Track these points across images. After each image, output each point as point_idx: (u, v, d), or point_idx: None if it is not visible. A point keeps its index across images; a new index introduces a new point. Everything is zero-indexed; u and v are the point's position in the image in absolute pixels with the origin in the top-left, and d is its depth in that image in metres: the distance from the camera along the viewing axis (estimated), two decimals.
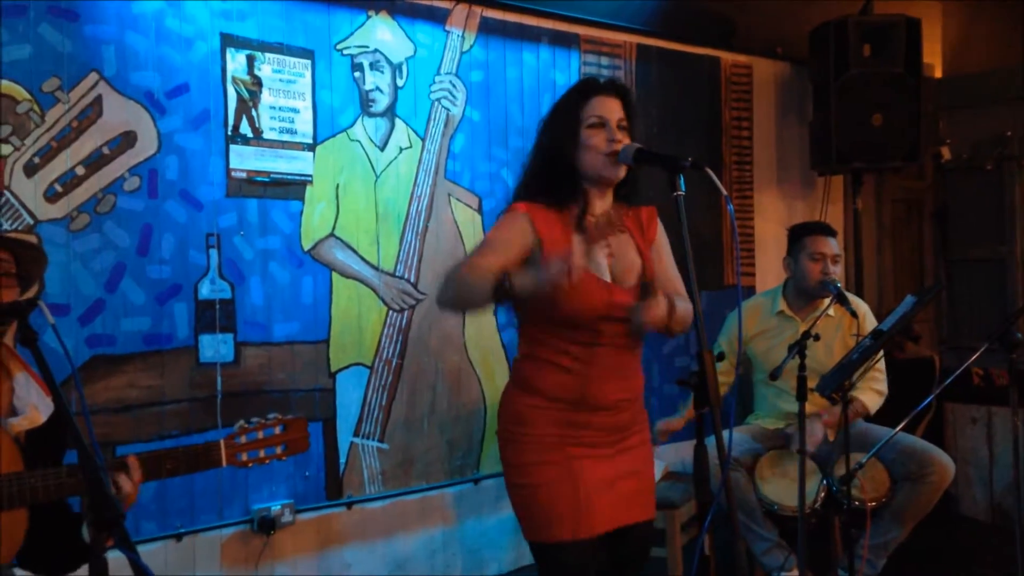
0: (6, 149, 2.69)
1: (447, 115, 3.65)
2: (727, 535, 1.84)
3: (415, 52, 3.56)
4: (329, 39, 3.34)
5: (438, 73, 3.63)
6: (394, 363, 3.50)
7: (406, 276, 3.53)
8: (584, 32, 4.08)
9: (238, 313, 3.12)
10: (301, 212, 3.27)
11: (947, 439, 4.69)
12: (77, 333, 2.80)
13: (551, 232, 2.12)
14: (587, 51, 4.10)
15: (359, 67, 3.42)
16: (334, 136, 3.35)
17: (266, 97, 3.19)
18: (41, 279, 2.64)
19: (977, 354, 2.89)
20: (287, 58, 3.24)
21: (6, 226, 2.67)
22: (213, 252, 3.07)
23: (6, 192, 2.68)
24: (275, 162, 3.21)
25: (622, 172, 2.16)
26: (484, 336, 3.74)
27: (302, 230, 3.27)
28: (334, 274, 3.35)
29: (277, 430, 2.06)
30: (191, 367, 3.02)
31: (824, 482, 3.21)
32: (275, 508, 3.14)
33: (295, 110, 3.26)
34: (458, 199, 3.69)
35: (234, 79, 3.12)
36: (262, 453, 2.03)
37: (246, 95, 3.14)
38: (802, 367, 2.85)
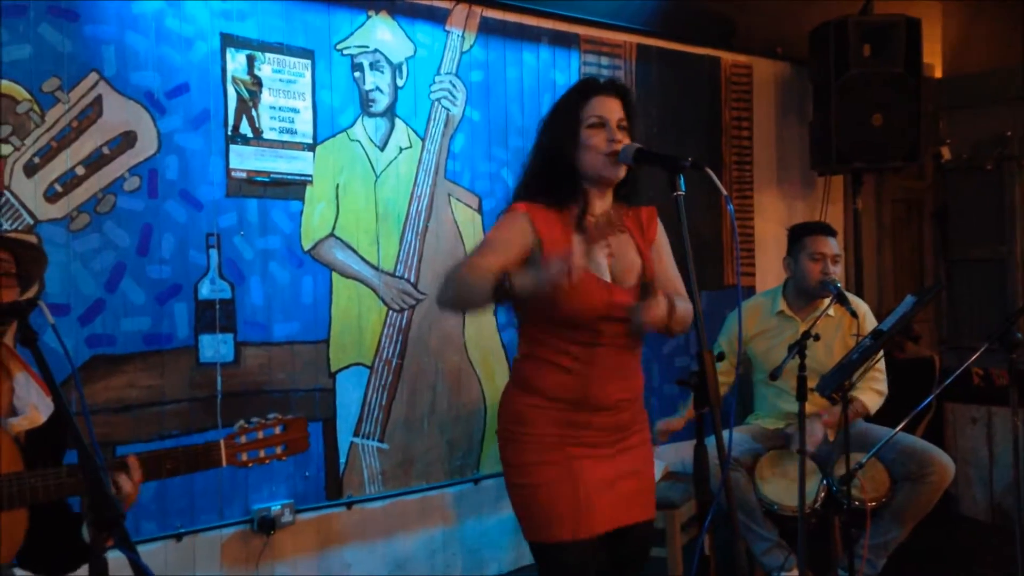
0: (6, 149, 2.69)
1: (447, 115, 3.65)
2: (727, 535, 1.84)
3: (415, 52, 3.56)
4: (329, 39, 3.34)
5: (438, 73, 3.63)
6: (394, 363, 3.50)
7: (406, 276, 3.53)
8: (584, 32, 4.08)
9: (238, 313, 3.12)
10: (301, 212, 3.27)
11: (947, 439, 4.69)
12: (77, 333, 2.80)
13: (551, 232, 2.12)
14: (587, 51, 4.10)
15: (359, 67, 3.42)
16: (334, 136, 3.35)
17: (266, 97, 3.19)
18: (41, 279, 2.64)
19: (977, 354, 2.89)
20: (287, 58, 3.24)
21: (6, 226, 2.67)
22: (213, 252, 3.07)
23: (6, 192, 2.68)
24: (275, 162, 3.21)
25: (622, 172, 2.16)
26: (484, 336, 3.74)
27: (302, 230, 3.27)
28: (334, 274, 3.35)
29: (277, 430, 2.06)
30: (191, 367, 3.02)
31: (824, 482, 3.21)
32: (275, 508, 3.14)
33: (295, 110, 3.26)
34: (458, 199, 3.69)
35: (234, 79, 3.12)
36: (262, 453, 2.03)
37: (246, 95, 3.14)
38: (802, 367, 2.85)
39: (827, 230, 3.51)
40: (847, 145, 4.52)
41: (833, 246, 3.45)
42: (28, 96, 2.72)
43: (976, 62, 5.42)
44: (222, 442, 1.98)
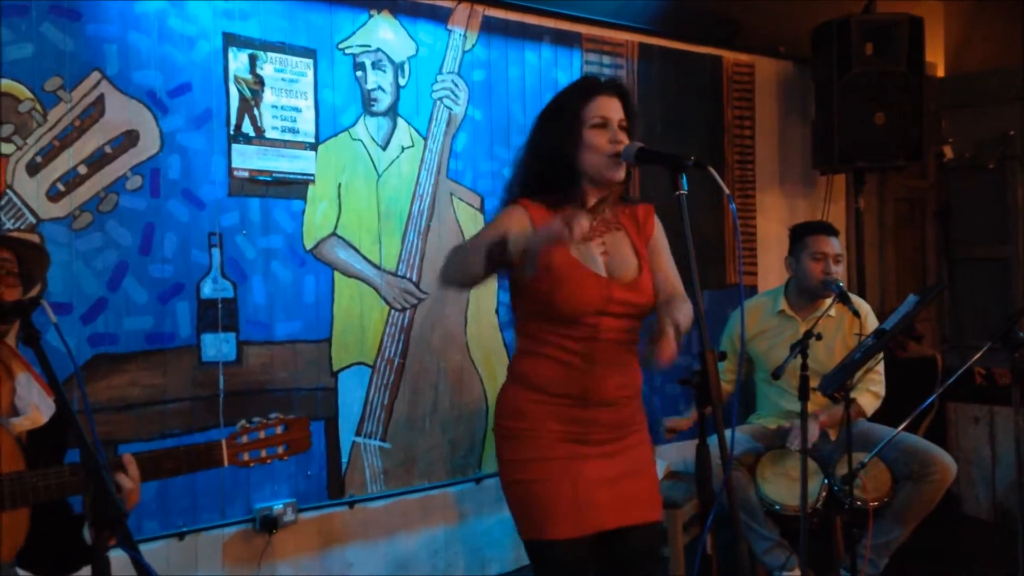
0: (8, 148, 2.69)
1: (449, 114, 3.65)
2: (729, 535, 1.84)
3: (417, 51, 3.56)
4: (331, 38, 3.34)
5: (440, 72, 3.63)
6: (396, 362, 3.50)
7: (408, 275, 3.53)
8: (586, 31, 4.08)
9: (240, 312, 3.12)
10: (303, 211, 3.27)
11: (949, 439, 4.69)
12: (79, 332, 2.80)
13: None
14: (589, 50, 4.09)
15: (361, 66, 3.42)
16: (336, 135, 3.35)
17: (268, 96, 3.19)
18: (44, 278, 2.64)
19: (980, 353, 2.89)
20: (289, 57, 3.24)
21: (8, 225, 2.67)
22: (215, 251, 3.07)
23: (8, 191, 2.69)
24: (277, 161, 3.21)
25: (623, 172, 2.16)
26: (486, 335, 3.74)
27: (304, 229, 3.27)
28: (336, 273, 3.35)
29: (279, 430, 2.06)
30: (193, 366, 3.02)
31: (826, 481, 3.21)
32: (277, 507, 3.14)
33: (297, 109, 3.26)
34: (460, 198, 3.69)
35: (236, 78, 3.12)
36: (264, 453, 2.03)
37: (248, 94, 3.15)
38: (804, 366, 2.85)
39: (829, 229, 3.51)
40: (849, 144, 4.51)
41: (835, 245, 3.45)
42: (30, 95, 2.72)
43: (978, 61, 5.41)
44: (224, 442, 1.98)
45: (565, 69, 4.00)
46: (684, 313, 2.06)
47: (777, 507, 3.22)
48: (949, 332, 5.41)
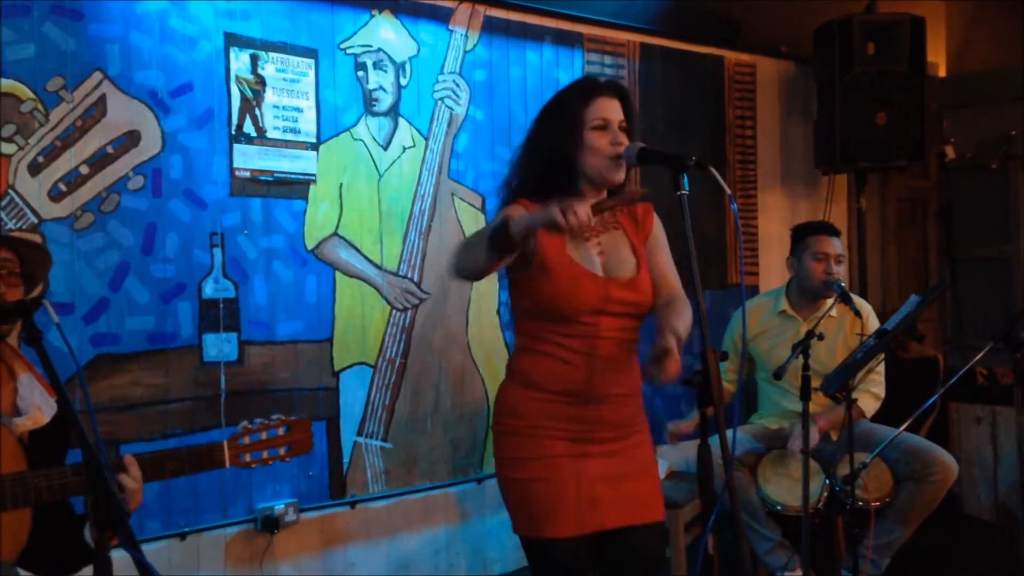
0: (10, 148, 2.70)
1: (450, 114, 3.65)
2: (731, 535, 1.83)
3: (418, 51, 3.56)
4: (333, 38, 3.35)
5: (441, 72, 3.63)
6: (397, 362, 3.50)
7: (409, 275, 3.53)
8: (587, 31, 4.07)
9: (242, 312, 3.12)
10: (304, 211, 3.27)
11: (951, 439, 4.68)
12: (81, 332, 2.80)
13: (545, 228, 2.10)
14: (590, 50, 4.09)
15: (362, 66, 3.42)
16: (337, 135, 3.35)
17: (270, 96, 3.19)
18: (45, 278, 2.64)
19: (981, 353, 2.89)
20: (291, 57, 3.24)
21: (10, 225, 2.67)
22: (217, 251, 3.07)
23: (10, 191, 2.69)
24: (279, 161, 3.21)
25: (623, 174, 2.16)
26: (487, 335, 3.74)
27: (305, 229, 3.28)
28: (337, 273, 3.35)
29: (281, 431, 2.06)
30: (195, 366, 3.02)
31: (827, 482, 3.21)
32: (279, 507, 3.14)
33: (299, 109, 3.26)
34: (461, 198, 3.69)
35: (238, 78, 3.12)
36: (265, 454, 2.03)
37: (250, 94, 3.15)
38: (806, 366, 2.85)
39: (831, 230, 3.50)
40: (851, 144, 4.51)
41: (837, 246, 3.45)
42: (32, 95, 2.72)
43: (980, 61, 5.41)
44: (225, 443, 1.97)
45: (566, 69, 4.00)
46: (684, 322, 2.06)
47: (779, 507, 3.22)
48: (951, 332, 5.41)
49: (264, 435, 2.04)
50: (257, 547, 3.14)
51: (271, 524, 3.11)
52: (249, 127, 3.14)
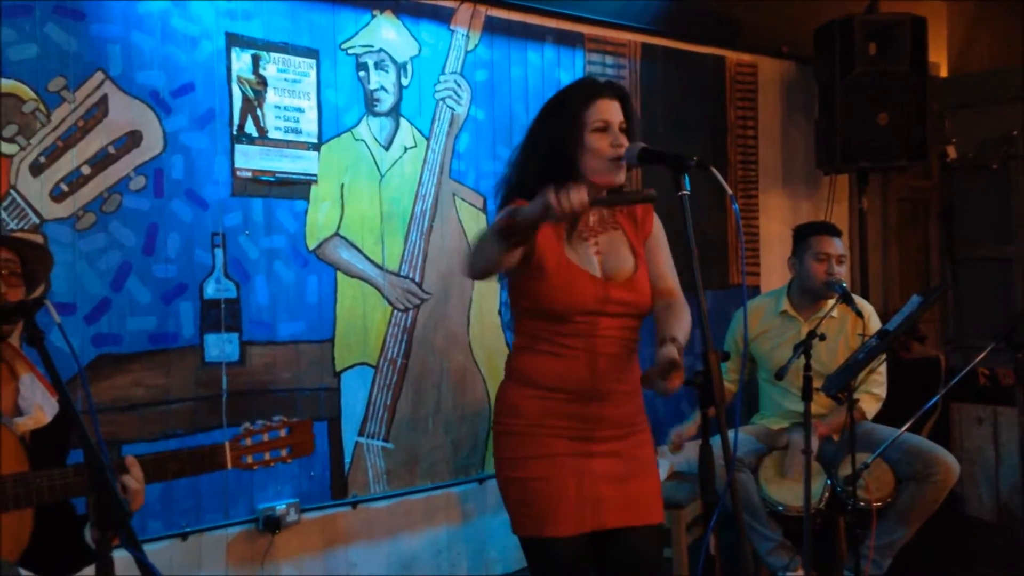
0: (12, 148, 2.70)
1: (452, 114, 3.65)
2: (732, 535, 1.83)
3: (420, 51, 3.56)
4: (334, 38, 3.35)
5: (443, 72, 3.63)
6: (399, 363, 3.50)
7: (411, 276, 3.53)
8: (588, 31, 4.07)
9: (243, 312, 3.12)
10: (306, 211, 3.27)
11: (953, 439, 4.68)
12: (83, 332, 2.80)
13: (544, 229, 2.11)
14: (591, 50, 4.09)
15: (364, 66, 3.42)
16: (339, 135, 3.36)
17: (271, 96, 3.19)
18: (47, 279, 2.64)
19: (983, 354, 2.89)
20: (292, 57, 3.24)
21: (12, 226, 2.67)
22: (218, 251, 3.07)
23: (12, 192, 2.69)
24: (280, 161, 3.21)
25: (624, 175, 2.16)
26: (489, 335, 3.74)
27: (307, 229, 3.28)
28: (339, 273, 3.35)
29: (283, 433, 2.06)
30: (196, 366, 3.02)
31: (829, 482, 3.21)
32: (280, 507, 3.14)
33: (300, 109, 3.26)
34: (463, 199, 3.69)
35: (239, 78, 3.12)
36: (267, 456, 2.03)
37: (251, 94, 3.15)
38: (807, 367, 2.85)
39: (832, 230, 3.50)
40: (852, 144, 4.51)
41: (838, 246, 3.45)
42: (34, 95, 2.72)
43: (981, 61, 5.41)
44: (227, 444, 1.98)
45: (568, 69, 4.00)
46: (683, 329, 2.07)
47: (780, 508, 3.22)
48: (953, 332, 5.40)
49: (266, 436, 2.04)
50: (259, 547, 3.14)
51: (273, 524, 3.11)
52: (251, 127, 3.14)
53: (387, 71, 3.48)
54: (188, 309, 3.01)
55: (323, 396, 3.31)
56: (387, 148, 3.48)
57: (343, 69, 3.37)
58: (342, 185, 3.36)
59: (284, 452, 2.06)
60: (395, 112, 3.50)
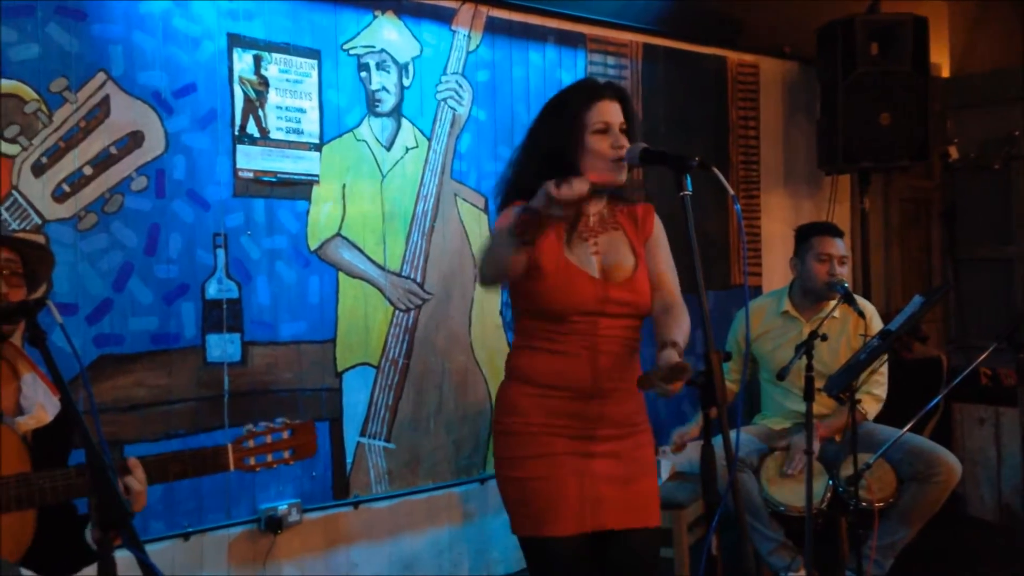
0: (14, 149, 2.70)
1: (453, 115, 3.65)
2: (734, 536, 1.83)
3: (421, 52, 3.56)
4: (335, 39, 3.35)
5: (444, 73, 3.63)
6: (400, 363, 3.50)
7: (412, 276, 3.53)
8: (590, 31, 4.07)
9: (245, 313, 3.13)
10: (307, 212, 3.27)
11: (955, 439, 4.67)
12: (85, 332, 2.80)
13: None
14: (593, 50, 4.09)
15: (365, 67, 3.42)
16: (340, 136, 3.36)
17: (273, 97, 3.19)
18: (49, 279, 2.64)
19: (985, 354, 2.89)
20: (294, 58, 3.24)
21: (14, 226, 2.68)
22: (220, 252, 3.07)
23: (14, 192, 2.69)
24: (282, 162, 3.21)
25: (625, 176, 2.16)
26: (490, 335, 3.74)
27: (308, 230, 3.28)
28: (340, 274, 3.35)
29: (285, 435, 2.06)
30: (198, 366, 3.02)
31: (831, 483, 3.21)
32: (282, 508, 3.14)
33: (301, 110, 3.26)
34: (464, 199, 3.69)
35: (241, 79, 3.12)
36: (270, 458, 2.03)
37: (253, 95, 3.15)
38: (809, 367, 2.85)
39: (834, 231, 3.50)
40: (854, 144, 4.51)
41: (840, 247, 3.45)
42: (36, 96, 2.72)
43: (983, 61, 5.40)
44: (230, 446, 1.97)
45: (569, 70, 4.00)
46: (683, 332, 2.07)
47: (782, 508, 3.22)
48: (954, 333, 5.40)
49: (269, 439, 2.04)
50: (260, 547, 3.14)
51: (274, 524, 3.11)
52: (252, 128, 3.14)
53: (389, 71, 3.48)
54: (190, 309, 3.01)
55: (325, 396, 3.31)
56: (389, 148, 3.48)
57: (345, 69, 3.37)
58: (344, 185, 3.36)
59: (287, 454, 2.06)
60: (397, 112, 3.50)
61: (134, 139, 2.90)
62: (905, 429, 2.97)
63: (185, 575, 2.97)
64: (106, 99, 2.85)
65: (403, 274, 3.51)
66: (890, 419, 3.45)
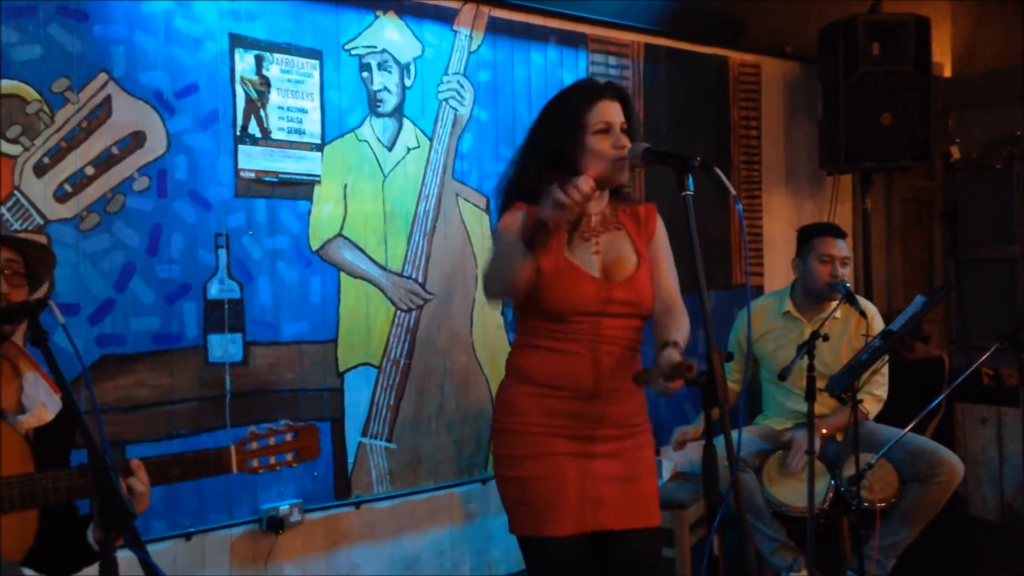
0: (16, 149, 2.70)
1: (455, 115, 3.65)
2: (736, 536, 1.83)
3: (423, 52, 3.56)
4: (337, 39, 3.35)
5: (446, 73, 3.63)
6: (402, 363, 3.50)
7: (414, 276, 3.53)
8: (591, 31, 4.07)
9: (247, 313, 3.13)
10: (309, 212, 3.27)
11: (957, 439, 4.67)
12: (87, 333, 2.80)
13: None
14: (595, 51, 4.09)
15: (367, 67, 3.43)
16: (342, 136, 3.36)
17: (274, 97, 3.19)
18: (51, 279, 2.65)
19: (987, 354, 2.89)
20: (295, 58, 3.24)
21: (16, 226, 2.68)
22: (222, 252, 3.08)
23: (16, 192, 2.69)
24: (283, 162, 3.21)
25: (627, 175, 2.16)
26: (492, 336, 3.74)
27: (310, 230, 3.28)
28: (342, 274, 3.35)
29: (288, 437, 2.06)
30: (200, 367, 3.02)
31: (832, 483, 3.20)
32: (284, 508, 3.14)
33: (303, 110, 3.26)
34: (466, 199, 3.69)
35: (242, 79, 3.12)
36: (273, 460, 2.03)
37: (254, 95, 3.15)
38: (811, 367, 2.85)
39: (836, 231, 3.50)
40: (856, 144, 4.51)
41: (842, 248, 3.45)
42: (38, 96, 2.73)
43: (985, 61, 5.40)
44: (233, 448, 1.98)
45: (571, 70, 4.00)
46: (683, 334, 2.07)
47: (784, 508, 3.22)
48: (956, 333, 5.40)
49: (272, 440, 2.04)
50: (262, 547, 3.14)
51: (276, 524, 3.11)
52: (254, 128, 3.14)
53: (390, 72, 3.48)
54: (192, 310, 3.01)
55: (326, 396, 3.31)
56: (390, 149, 3.48)
57: (346, 70, 3.37)
58: (345, 186, 3.36)
59: (289, 456, 2.06)
60: (398, 113, 3.50)
61: (136, 139, 2.91)
62: (907, 429, 2.97)
63: (187, 575, 2.98)
64: (108, 99, 2.85)
65: (405, 274, 3.51)
66: (892, 419, 3.44)
